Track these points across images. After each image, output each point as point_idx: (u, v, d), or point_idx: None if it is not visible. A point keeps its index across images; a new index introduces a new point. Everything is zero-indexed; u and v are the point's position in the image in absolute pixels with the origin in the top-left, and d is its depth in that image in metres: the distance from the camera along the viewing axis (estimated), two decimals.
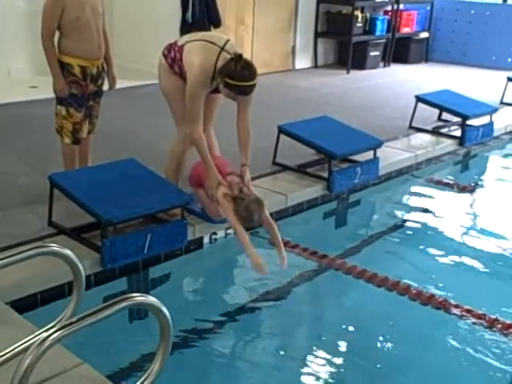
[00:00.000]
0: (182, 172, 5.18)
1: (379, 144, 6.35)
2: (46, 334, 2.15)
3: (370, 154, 6.33)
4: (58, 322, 2.44)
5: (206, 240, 4.99)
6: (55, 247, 2.90)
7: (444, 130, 7.92)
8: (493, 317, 4.24)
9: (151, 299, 2.41)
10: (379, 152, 6.37)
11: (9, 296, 3.83)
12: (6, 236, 4.47)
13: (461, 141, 7.62)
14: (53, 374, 2.96)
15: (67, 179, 4.68)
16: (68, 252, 2.86)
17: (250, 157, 4.90)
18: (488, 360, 3.83)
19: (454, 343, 4.00)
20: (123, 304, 2.33)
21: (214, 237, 5.03)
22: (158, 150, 6.00)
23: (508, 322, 4.21)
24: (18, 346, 2.82)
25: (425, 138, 7.67)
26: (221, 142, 5.33)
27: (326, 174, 5.97)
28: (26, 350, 2.71)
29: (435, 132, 7.83)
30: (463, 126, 7.63)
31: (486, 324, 4.18)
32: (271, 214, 5.46)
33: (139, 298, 2.40)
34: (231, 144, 5.17)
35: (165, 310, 2.42)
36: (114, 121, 7.07)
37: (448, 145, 7.59)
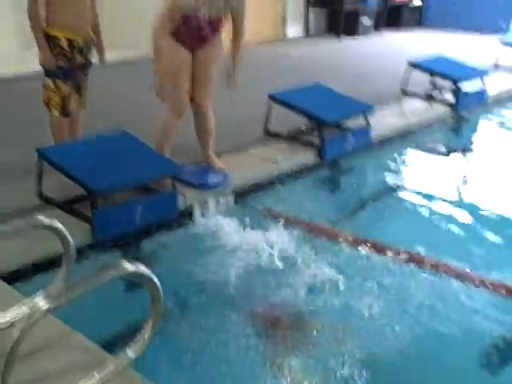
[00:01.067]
0: (172, 145, 5.15)
1: (370, 109, 6.31)
2: (36, 306, 2.14)
3: (361, 121, 6.30)
4: (48, 294, 2.43)
5: (197, 209, 4.96)
6: (44, 219, 2.88)
7: (437, 96, 7.87)
8: (483, 277, 4.27)
9: (142, 268, 2.40)
10: (371, 118, 6.33)
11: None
12: None
13: (454, 106, 7.60)
14: (45, 345, 2.96)
15: (56, 152, 4.64)
16: (57, 223, 2.84)
17: None
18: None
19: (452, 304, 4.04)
20: (114, 273, 2.32)
21: (205, 206, 5.00)
22: (147, 122, 5.95)
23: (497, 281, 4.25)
24: (7, 317, 2.81)
25: (417, 103, 7.64)
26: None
27: (317, 142, 5.95)
28: (16, 321, 2.72)
29: (428, 98, 7.80)
30: (456, 91, 7.59)
31: (475, 284, 4.21)
32: (263, 183, 5.49)
33: (130, 267, 2.38)
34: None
35: (155, 280, 2.41)
36: (104, 94, 7.00)
37: (441, 110, 7.57)
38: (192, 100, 5.08)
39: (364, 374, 3.38)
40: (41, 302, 2.14)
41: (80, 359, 2.89)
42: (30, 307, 2.12)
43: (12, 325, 2.10)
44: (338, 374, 3.41)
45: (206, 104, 5.14)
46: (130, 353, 2.51)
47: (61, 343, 3.01)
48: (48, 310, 2.10)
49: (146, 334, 2.51)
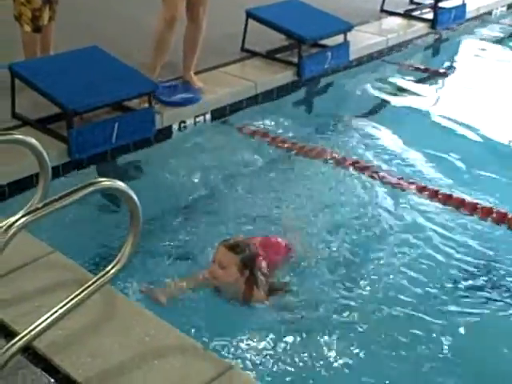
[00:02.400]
0: (165, 56, 5.01)
1: (350, 27, 6.20)
2: (11, 221, 2.11)
3: (340, 39, 6.19)
4: (25, 211, 2.39)
5: (175, 128, 4.92)
6: (18, 135, 2.82)
7: (416, 13, 7.75)
8: (452, 194, 4.35)
9: (118, 183, 2.36)
10: (350, 36, 6.23)
11: None
12: None
13: (433, 24, 7.48)
14: (24, 263, 2.96)
15: (29, 68, 4.53)
16: (32, 140, 2.78)
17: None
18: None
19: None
20: (91, 188, 2.29)
21: (183, 125, 4.96)
22: (123, 38, 5.80)
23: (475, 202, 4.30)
24: None
25: (396, 21, 7.51)
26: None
27: (295, 60, 5.85)
28: None
29: (407, 15, 7.66)
30: (435, 8, 7.47)
31: (451, 205, 4.28)
32: (241, 101, 5.44)
33: (106, 182, 2.35)
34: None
35: (132, 195, 2.38)
36: (76, 7, 6.77)
37: (420, 28, 7.46)
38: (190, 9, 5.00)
39: None
40: (18, 217, 2.11)
41: (60, 277, 2.91)
42: (7, 224, 2.08)
43: None
44: None
45: (202, 14, 5.06)
46: (111, 270, 2.50)
47: (40, 262, 3.02)
48: (25, 224, 2.07)
49: (126, 250, 2.50)
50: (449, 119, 5.60)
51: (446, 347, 3.09)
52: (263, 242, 3.55)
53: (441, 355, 3.05)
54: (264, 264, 3.38)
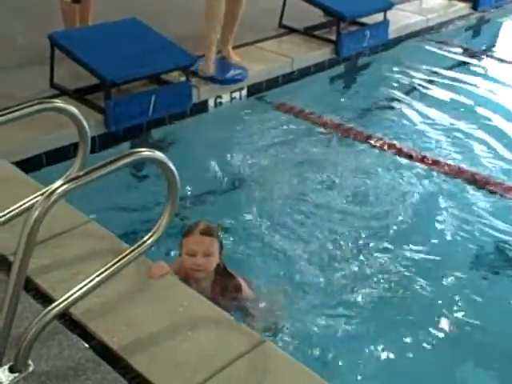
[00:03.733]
0: (219, 30, 4.99)
1: (390, 6, 6.11)
2: (53, 188, 2.12)
3: (379, 17, 6.11)
4: (64, 179, 2.40)
5: (211, 103, 4.91)
6: (59, 103, 2.82)
7: None
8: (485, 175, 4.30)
9: (158, 154, 2.36)
10: (389, 15, 6.14)
11: (15, 156, 3.81)
12: (7, 97, 4.34)
13: (474, 4, 7.35)
14: (62, 230, 2.99)
15: (69, 38, 4.54)
16: (72, 108, 2.78)
17: None
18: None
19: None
20: (131, 158, 2.28)
21: (219, 100, 4.95)
22: (162, 12, 5.79)
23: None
24: (26, 203, 2.82)
25: (437, 0, 7.39)
26: None
27: (334, 37, 5.79)
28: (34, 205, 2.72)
29: None
30: None
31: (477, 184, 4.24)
32: (277, 78, 5.40)
33: (146, 152, 2.34)
34: None
35: (171, 165, 2.37)
36: None
37: (461, 8, 7.33)
38: None
39: None
40: (58, 185, 2.12)
41: (96, 247, 2.93)
42: (48, 191, 2.09)
43: (31, 208, 2.07)
44: None
45: None
46: (148, 240, 2.51)
47: (77, 231, 3.05)
48: (66, 191, 2.08)
49: (163, 221, 2.50)
50: (489, 101, 5.50)
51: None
52: None
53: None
54: None
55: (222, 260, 2.96)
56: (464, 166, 4.45)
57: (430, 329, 3.04)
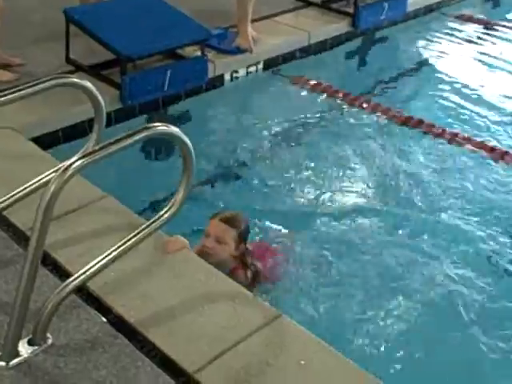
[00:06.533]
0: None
1: None
2: (69, 163, 2.12)
3: None
4: (81, 154, 2.40)
5: (226, 77, 4.88)
6: (75, 78, 2.82)
7: None
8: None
9: (173, 128, 2.35)
10: None
11: (31, 132, 3.82)
12: (22, 74, 4.36)
13: None
14: (79, 206, 3.01)
15: (84, 13, 4.52)
16: (88, 83, 2.78)
17: None
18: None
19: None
20: (146, 133, 2.28)
21: (235, 74, 4.92)
22: None
23: None
24: (42, 178, 2.83)
25: None
26: None
27: (351, 10, 5.72)
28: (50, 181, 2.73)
29: None
30: None
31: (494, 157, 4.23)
32: (294, 52, 5.35)
33: (162, 127, 2.34)
34: None
35: (187, 140, 2.36)
36: None
37: None
38: None
39: None
40: (74, 159, 2.12)
41: (113, 221, 2.94)
42: (64, 166, 2.10)
43: (47, 183, 2.08)
44: None
45: None
46: (164, 215, 2.51)
47: (94, 206, 3.06)
48: (82, 166, 2.08)
49: (179, 196, 2.50)
50: (510, 73, 5.43)
51: None
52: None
53: None
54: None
55: (243, 255, 3.03)
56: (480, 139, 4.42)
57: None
